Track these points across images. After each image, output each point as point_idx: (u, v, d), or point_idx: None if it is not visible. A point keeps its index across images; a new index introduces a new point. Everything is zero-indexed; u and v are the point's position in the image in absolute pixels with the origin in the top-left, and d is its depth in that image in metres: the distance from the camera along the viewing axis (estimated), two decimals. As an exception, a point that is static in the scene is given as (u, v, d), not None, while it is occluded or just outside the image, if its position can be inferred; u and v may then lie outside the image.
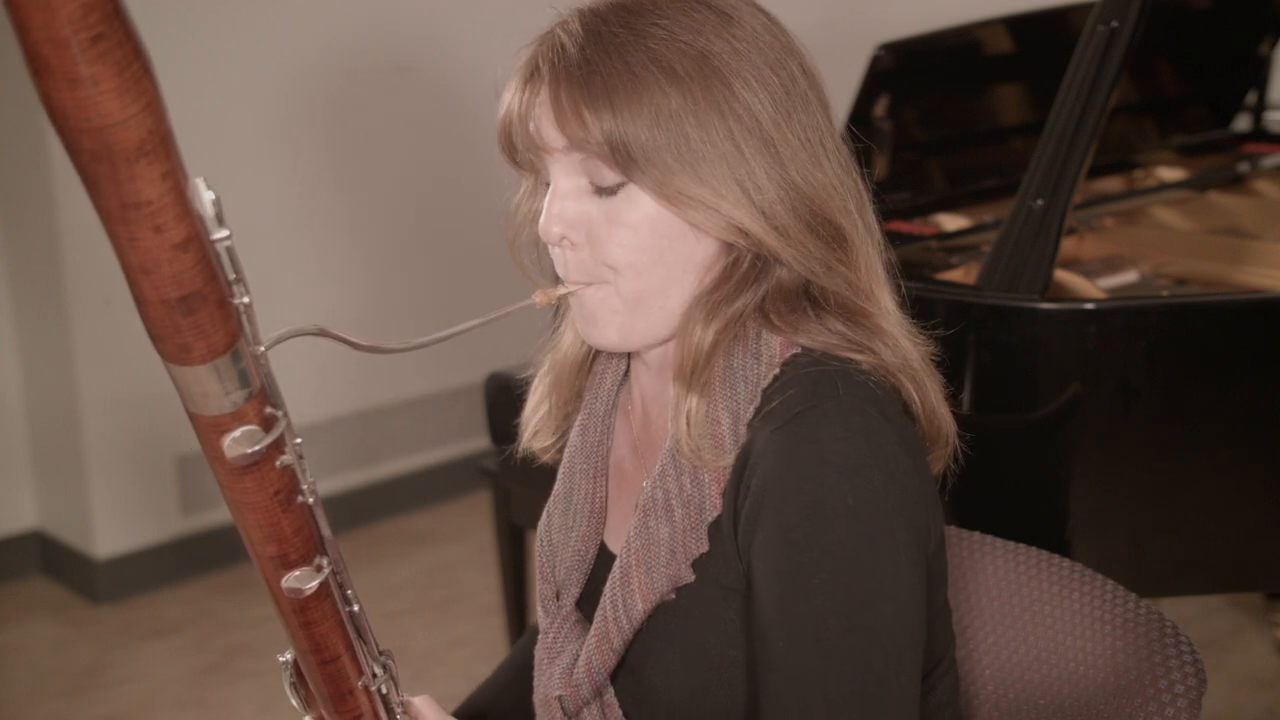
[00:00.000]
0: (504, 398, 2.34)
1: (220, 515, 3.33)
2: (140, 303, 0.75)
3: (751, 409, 1.01)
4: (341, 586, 0.97)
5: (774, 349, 1.03)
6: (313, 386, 3.43)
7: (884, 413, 0.99)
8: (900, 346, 1.06)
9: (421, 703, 1.11)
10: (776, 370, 1.02)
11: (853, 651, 0.96)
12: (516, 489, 2.37)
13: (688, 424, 1.02)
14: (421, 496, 3.69)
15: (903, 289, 1.11)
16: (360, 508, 3.57)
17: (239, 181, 3.25)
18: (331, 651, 0.97)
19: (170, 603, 3.22)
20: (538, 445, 1.22)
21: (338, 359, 3.43)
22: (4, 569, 3.32)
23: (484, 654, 2.93)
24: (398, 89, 3.51)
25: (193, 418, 0.82)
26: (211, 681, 2.88)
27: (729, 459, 1.01)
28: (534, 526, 2.41)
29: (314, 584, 0.92)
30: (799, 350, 1.03)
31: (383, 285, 3.56)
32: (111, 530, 3.20)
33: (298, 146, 3.36)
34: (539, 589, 1.20)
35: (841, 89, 2.44)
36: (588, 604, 1.15)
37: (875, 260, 1.07)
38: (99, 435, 3.14)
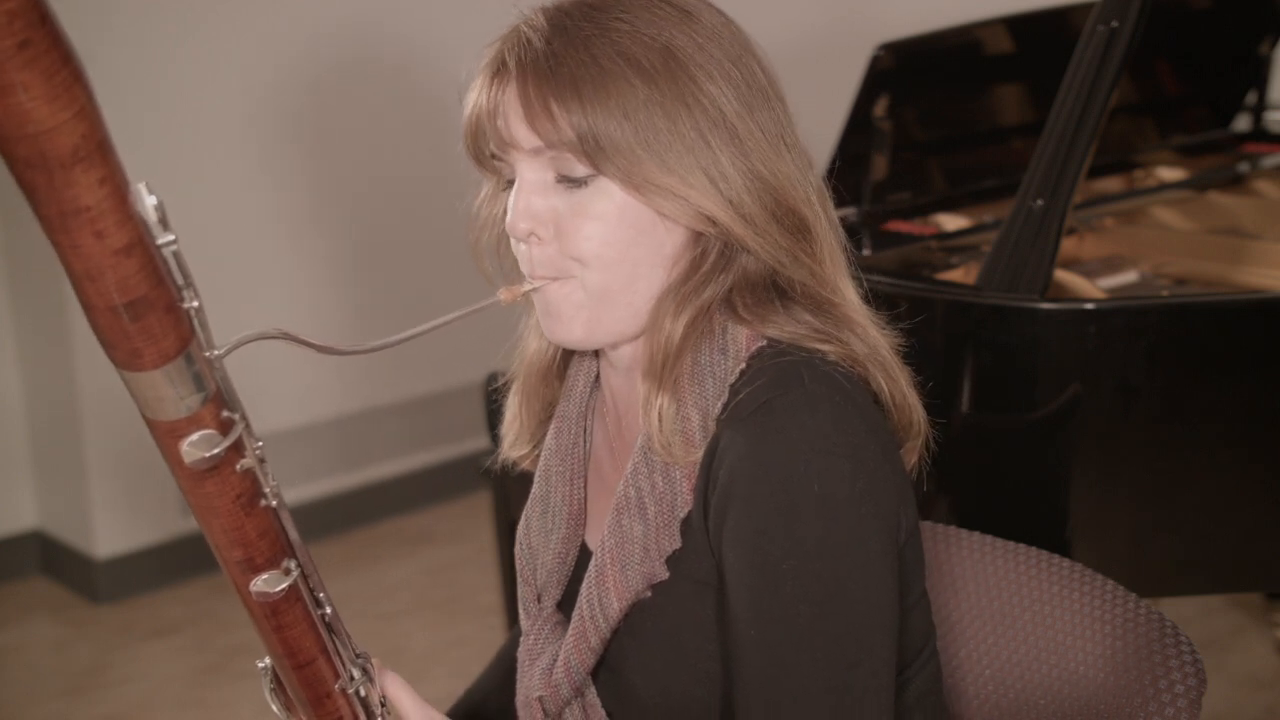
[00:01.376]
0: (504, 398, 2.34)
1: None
2: (87, 309, 0.75)
3: (719, 405, 1.02)
4: (312, 590, 0.96)
5: (740, 343, 1.04)
6: (312, 386, 3.43)
7: (851, 400, 1.00)
8: (870, 336, 1.06)
9: (393, 684, 1.09)
10: (743, 365, 1.03)
11: (824, 638, 0.97)
12: (516, 489, 2.37)
13: (659, 420, 1.03)
14: (421, 497, 3.69)
15: (864, 283, 1.11)
16: (360, 508, 3.57)
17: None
18: (306, 655, 0.97)
19: (170, 603, 3.22)
20: (515, 454, 1.23)
21: (335, 359, 3.42)
22: (4, 569, 3.32)
23: (484, 654, 2.92)
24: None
25: (149, 423, 0.82)
26: (211, 681, 2.88)
27: (699, 454, 1.02)
28: (534, 526, 2.41)
29: (282, 587, 0.91)
30: (765, 343, 1.04)
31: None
32: (111, 530, 3.20)
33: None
34: (520, 591, 1.20)
35: (841, 89, 2.44)
36: (569, 605, 1.15)
37: (839, 253, 1.08)
38: (99, 435, 3.14)
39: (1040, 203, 1.81)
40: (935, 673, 1.15)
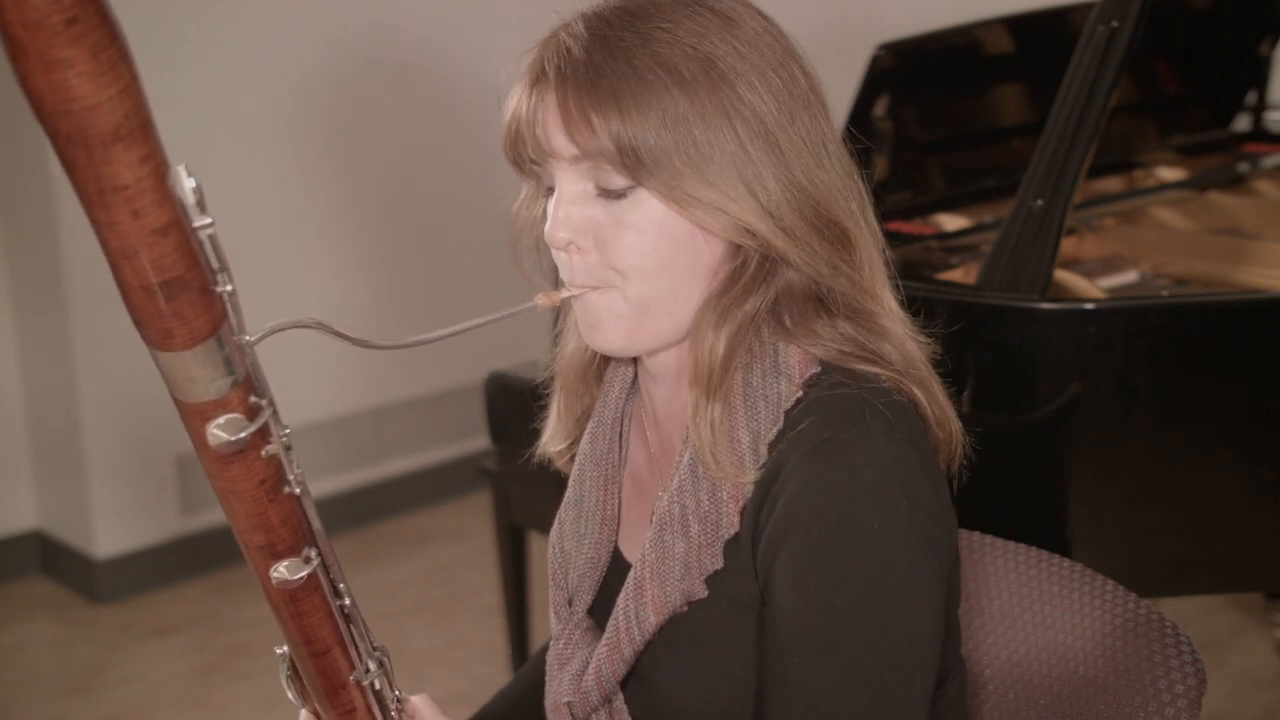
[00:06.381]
0: (504, 398, 2.34)
1: (220, 515, 3.31)
2: (122, 288, 0.75)
3: (774, 430, 1.01)
4: (332, 580, 0.97)
5: (793, 366, 1.03)
6: (312, 386, 3.43)
7: (907, 436, 1.00)
8: (905, 347, 1.06)
9: (419, 701, 1.12)
10: (799, 393, 1.02)
11: (868, 670, 0.98)
12: (516, 489, 2.37)
13: (711, 432, 1.02)
14: (422, 496, 3.69)
15: (901, 290, 1.11)
16: (361, 507, 3.57)
17: (241, 177, 3.25)
18: (323, 644, 0.97)
19: (170, 603, 3.22)
20: (551, 450, 1.22)
21: (337, 359, 3.42)
22: (4, 569, 3.32)
23: (484, 654, 2.93)
24: (399, 86, 3.51)
25: (178, 404, 0.82)
26: (211, 681, 2.88)
27: (749, 476, 1.02)
28: (534, 526, 2.41)
29: (302, 575, 0.92)
30: (819, 369, 1.03)
31: (384, 283, 3.56)
32: (111, 530, 3.20)
33: (299, 144, 3.36)
34: (551, 595, 1.20)
35: (841, 89, 2.44)
36: (600, 611, 1.15)
37: (878, 260, 1.07)
38: (99, 435, 3.14)
39: (1040, 203, 1.81)
40: (963, 683, 1.16)
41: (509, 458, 2.36)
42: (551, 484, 2.23)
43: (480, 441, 3.60)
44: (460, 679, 2.82)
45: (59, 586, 3.31)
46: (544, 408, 1.24)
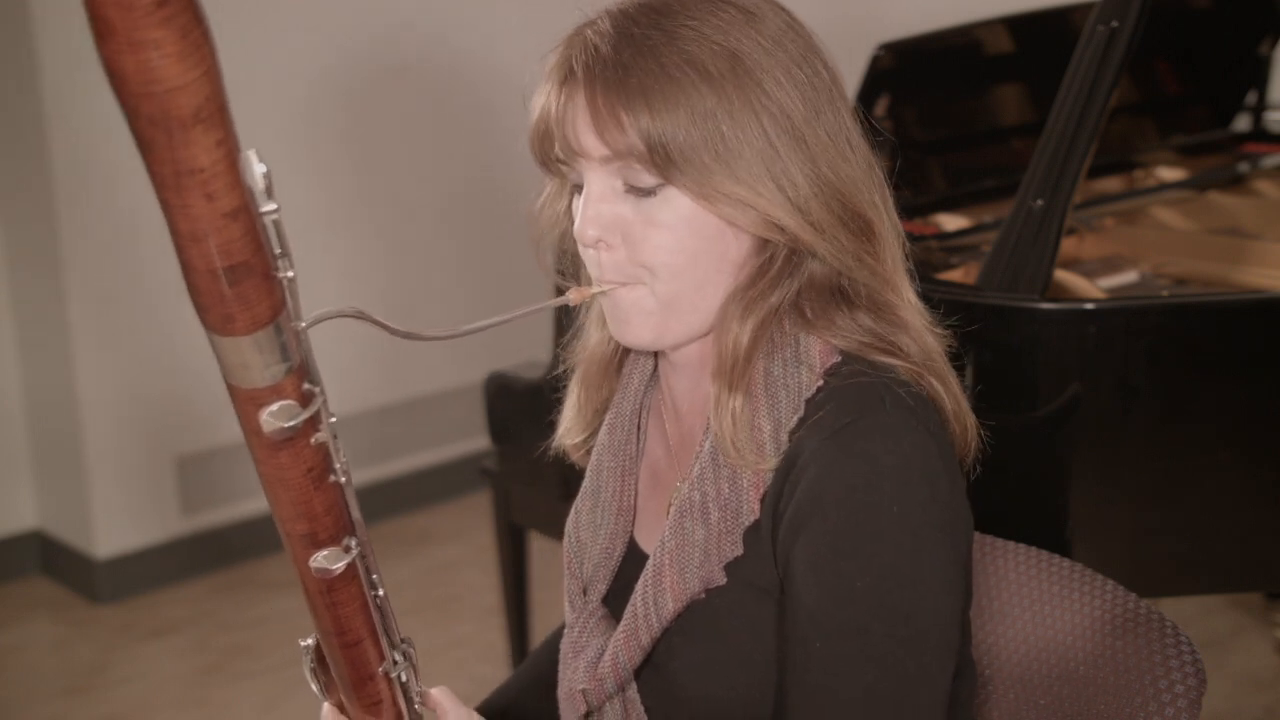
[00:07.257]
0: (504, 398, 2.34)
1: (220, 515, 3.33)
2: (188, 271, 0.75)
3: (795, 418, 1.02)
4: (368, 570, 0.97)
5: (814, 356, 1.04)
6: (313, 386, 3.43)
7: (926, 426, 1.01)
8: (924, 340, 1.07)
9: (440, 694, 1.12)
10: (820, 381, 1.03)
11: (889, 656, 0.98)
12: (516, 489, 2.37)
13: (733, 422, 1.03)
14: (422, 496, 3.69)
15: (918, 282, 1.12)
16: (361, 507, 3.56)
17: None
18: (355, 635, 0.98)
19: (170, 603, 3.22)
20: (569, 442, 1.23)
21: (336, 359, 3.42)
22: (4, 569, 3.32)
23: (484, 654, 2.93)
24: (409, 84, 3.51)
25: (231, 390, 0.82)
26: (211, 681, 2.88)
27: (770, 464, 1.02)
28: (534, 526, 2.41)
29: (341, 564, 0.92)
30: (839, 359, 1.04)
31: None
32: (111, 530, 3.20)
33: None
34: (566, 584, 1.20)
35: (841, 89, 2.44)
36: (615, 600, 1.16)
37: (898, 253, 1.08)
38: (99, 435, 3.14)
39: (1040, 203, 1.81)
40: (972, 682, 1.16)
41: (509, 458, 2.36)
42: (552, 484, 2.23)
43: (480, 441, 3.60)
44: (460, 679, 2.82)
45: (59, 586, 3.31)
46: (560, 401, 1.24)
